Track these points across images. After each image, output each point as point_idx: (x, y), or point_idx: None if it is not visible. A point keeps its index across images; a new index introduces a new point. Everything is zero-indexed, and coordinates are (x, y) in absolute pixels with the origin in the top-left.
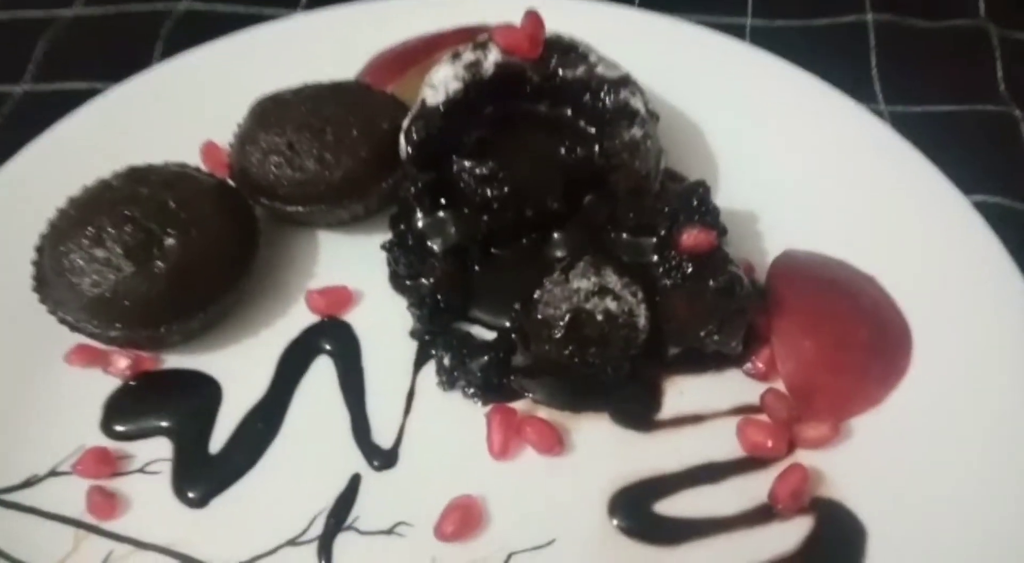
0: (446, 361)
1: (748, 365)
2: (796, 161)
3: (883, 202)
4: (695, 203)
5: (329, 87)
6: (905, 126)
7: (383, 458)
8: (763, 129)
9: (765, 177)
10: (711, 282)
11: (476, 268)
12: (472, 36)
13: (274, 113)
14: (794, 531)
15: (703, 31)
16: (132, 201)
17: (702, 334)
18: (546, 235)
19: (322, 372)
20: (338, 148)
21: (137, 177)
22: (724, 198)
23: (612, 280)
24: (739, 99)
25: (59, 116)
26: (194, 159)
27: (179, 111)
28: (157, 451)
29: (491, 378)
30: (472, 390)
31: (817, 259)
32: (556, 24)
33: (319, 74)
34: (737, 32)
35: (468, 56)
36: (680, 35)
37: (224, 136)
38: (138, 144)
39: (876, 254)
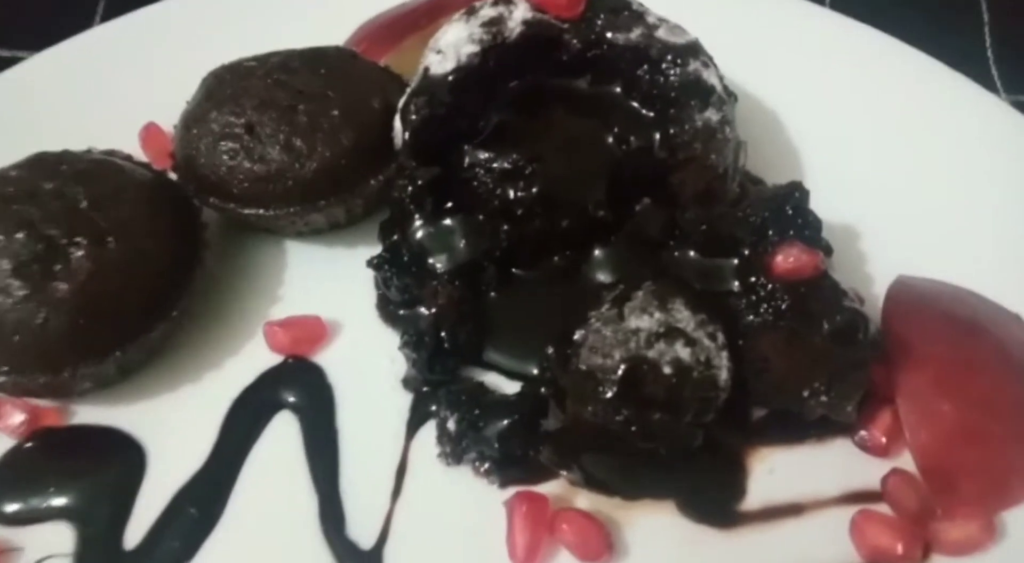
0: (451, 425)
1: (863, 435)
2: (907, 160)
3: None
4: (790, 212)
5: (304, 54)
6: None
7: (361, 561)
8: (864, 119)
9: (867, 180)
10: (823, 323)
11: (492, 294)
12: None
13: (230, 86)
14: None
15: None
16: (31, 199)
17: (805, 394)
18: (586, 252)
19: (282, 434)
20: (312, 133)
21: (43, 168)
22: (816, 206)
23: (683, 317)
24: (833, 81)
25: None
26: (132, 146)
27: (117, 85)
28: (55, 542)
29: (513, 450)
30: (487, 466)
31: (946, 290)
32: None
33: (295, 42)
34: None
35: (487, 12)
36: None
37: (171, 118)
38: (60, 125)
39: (1019, 284)
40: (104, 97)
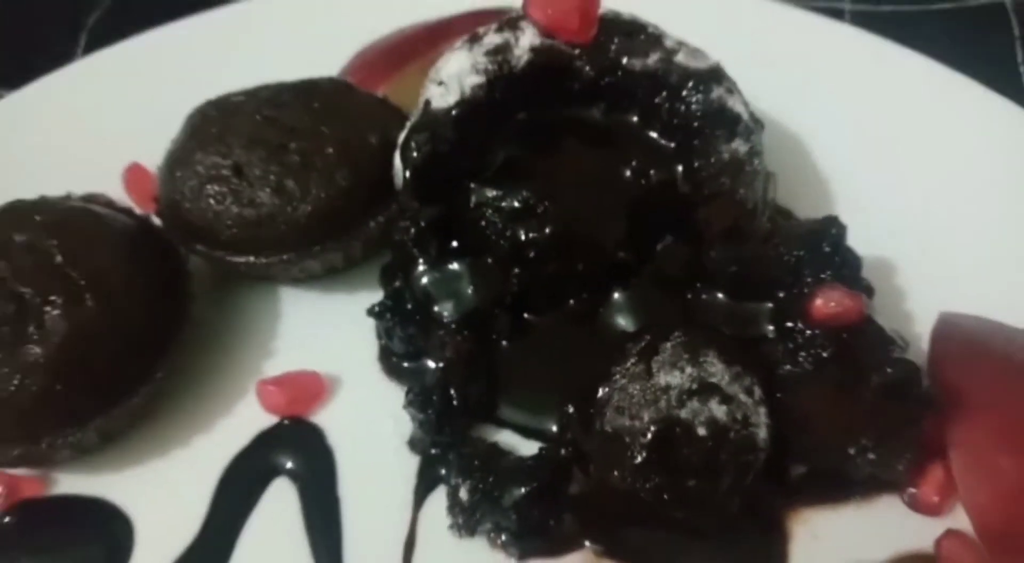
0: (463, 492)
1: (913, 492)
2: (946, 189)
3: None
4: (827, 249)
5: (295, 86)
6: None
7: None
8: (899, 146)
9: (903, 211)
10: (872, 376)
11: (505, 344)
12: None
13: (217, 124)
14: None
15: (807, 15)
16: (0, 253)
17: (851, 451)
18: (606, 296)
19: (279, 504)
20: (306, 173)
21: (15, 218)
22: (852, 242)
23: (717, 371)
24: (865, 106)
25: None
26: (115, 188)
27: (100, 122)
28: None
29: (532, 519)
30: (504, 538)
31: (996, 329)
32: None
33: (288, 74)
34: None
35: (492, 39)
36: (779, 19)
37: (157, 157)
38: (38, 168)
39: None
40: (85, 135)
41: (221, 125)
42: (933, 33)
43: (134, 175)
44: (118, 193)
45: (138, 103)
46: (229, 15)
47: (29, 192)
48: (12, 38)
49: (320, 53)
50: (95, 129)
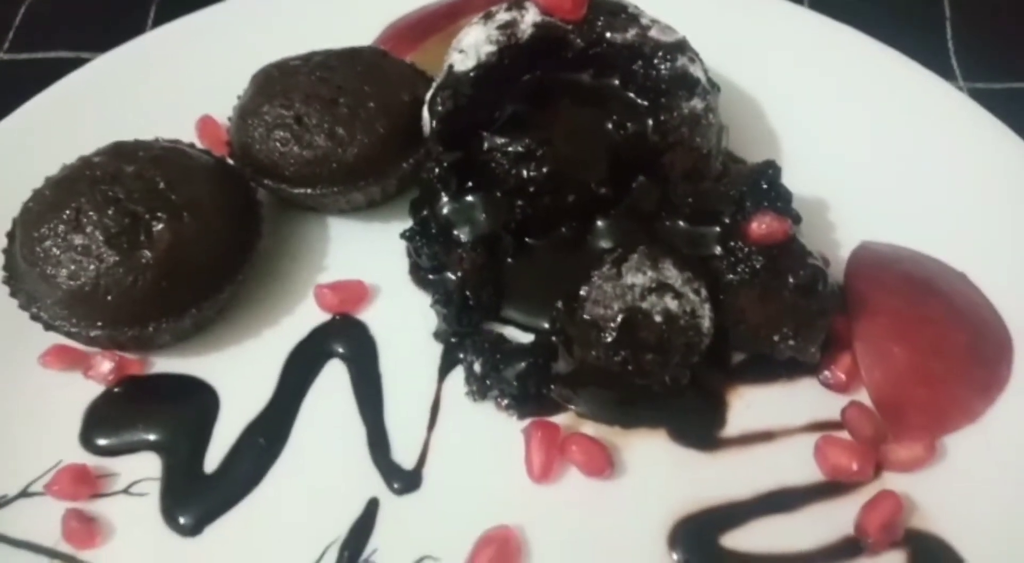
0: (476, 367)
1: (826, 374)
2: (870, 140)
3: (972, 190)
4: (764, 186)
5: (342, 53)
6: (986, 104)
7: (405, 480)
8: (831, 106)
9: (835, 158)
10: (789, 278)
11: (509, 260)
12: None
13: (279, 82)
14: None
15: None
16: (116, 180)
17: (775, 338)
18: (590, 223)
19: (334, 378)
20: (352, 122)
21: (122, 154)
22: (790, 183)
23: (672, 275)
24: (805, 71)
25: (39, 89)
26: (189, 136)
27: (173, 82)
28: (144, 469)
29: (529, 388)
30: (507, 401)
31: (902, 253)
32: None
33: (328, 42)
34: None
35: (502, 16)
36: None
37: (222, 110)
38: (126, 118)
39: (966, 248)
40: (161, 93)
41: (283, 83)
42: (878, 12)
43: (206, 124)
44: (191, 140)
45: (202, 67)
46: None
47: (123, 137)
48: (92, 12)
49: (357, 25)
50: (170, 87)
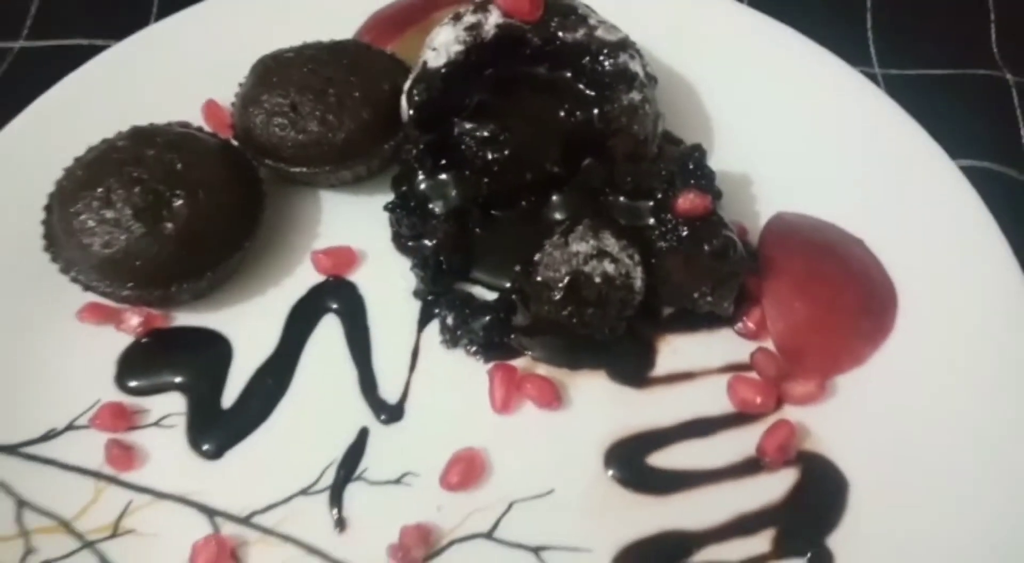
0: (449, 321)
1: (739, 325)
2: (789, 125)
3: (873, 166)
4: (691, 167)
5: (330, 47)
6: (899, 89)
7: (390, 412)
8: (757, 93)
9: (759, 141)
10: (705, 246)
11: (477, 230)
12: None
13: (276, 73)
14: (780, 483)
15: None
16: (139, 163)
17: (695, 295)
18: (545, 198)
19: (329, 330)
20: (340, 110)
21: (143, 138)
22: (720, 161)
23: (610, 243)
24: (735, 62)
25: (56, 73)
26: (195, 118)
27: (180, 69)
28: (171, 406)
29: (493, 337)
30: (474, 348)
31: (808, 222)
32: None
33: (317, 32)
34: None
35: (469, 19)
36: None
37: (223, 94)
38: (141, 103)
39: (865, 217)
40: (169, 79)
41: (279, 74)
42: (805, 4)
43: (211, 109)
44: (196, 122)
45: (205, 55)
46: None
47: (137, 121)
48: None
49: (340, 18)
50: (177, 73)
